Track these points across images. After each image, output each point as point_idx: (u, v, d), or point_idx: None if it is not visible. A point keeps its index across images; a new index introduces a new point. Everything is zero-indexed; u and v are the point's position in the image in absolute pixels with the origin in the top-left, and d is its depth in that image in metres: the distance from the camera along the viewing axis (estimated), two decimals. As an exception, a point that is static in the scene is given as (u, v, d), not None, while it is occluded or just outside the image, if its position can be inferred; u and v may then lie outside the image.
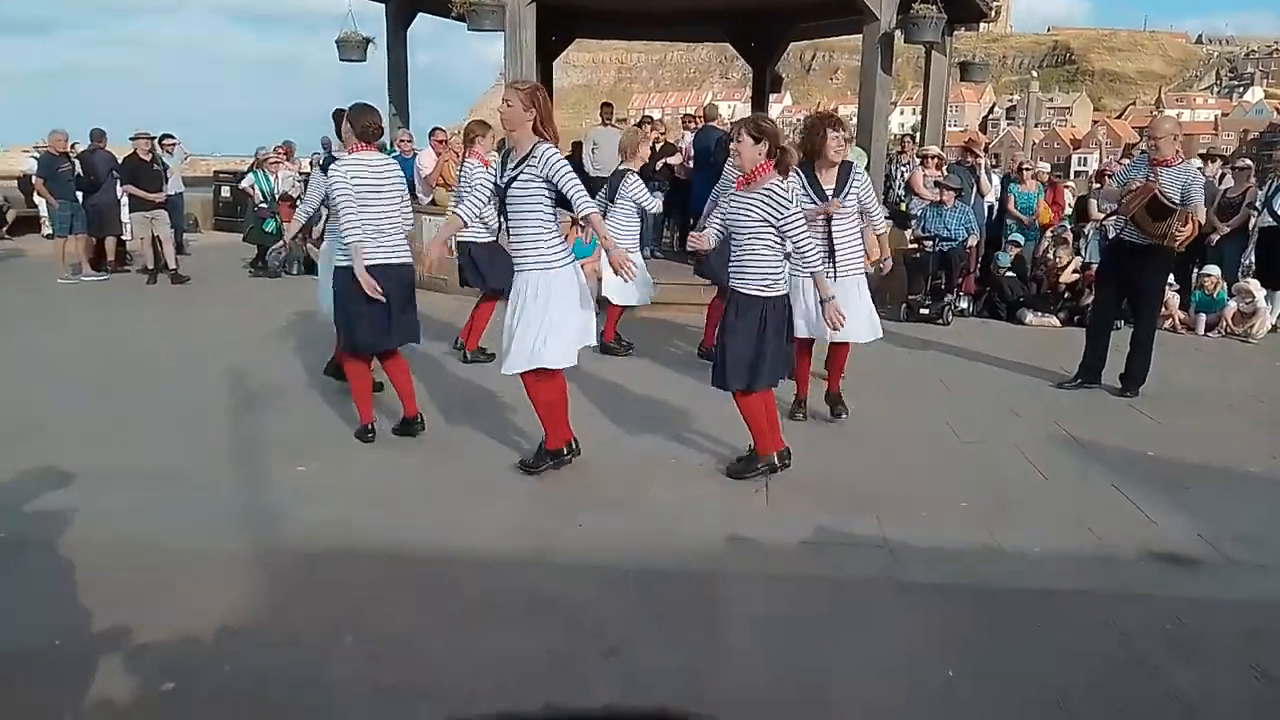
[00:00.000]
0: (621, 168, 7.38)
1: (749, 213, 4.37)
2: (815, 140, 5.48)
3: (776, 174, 4.42)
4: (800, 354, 5.66)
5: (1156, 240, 6.19)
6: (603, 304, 8.11)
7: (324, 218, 6.04)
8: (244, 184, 12.74)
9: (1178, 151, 6.42)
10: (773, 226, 4.36)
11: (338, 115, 5.96)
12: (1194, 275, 9.47)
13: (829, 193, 5.40)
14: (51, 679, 2.87)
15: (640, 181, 7.33)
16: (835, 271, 5.44)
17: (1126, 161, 9.74)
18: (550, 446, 4.70)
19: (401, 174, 5.30)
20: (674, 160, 11.50)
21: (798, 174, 5.49)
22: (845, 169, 5.47)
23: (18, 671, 2.92)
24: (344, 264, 5.00)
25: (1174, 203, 6.09)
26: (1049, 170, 12.48)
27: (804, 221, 4.44)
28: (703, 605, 3.42)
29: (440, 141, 10.92)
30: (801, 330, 5.54)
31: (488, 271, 6.91)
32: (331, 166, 5.08)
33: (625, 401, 6.07)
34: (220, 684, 2.86)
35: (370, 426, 5.22)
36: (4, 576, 3.56)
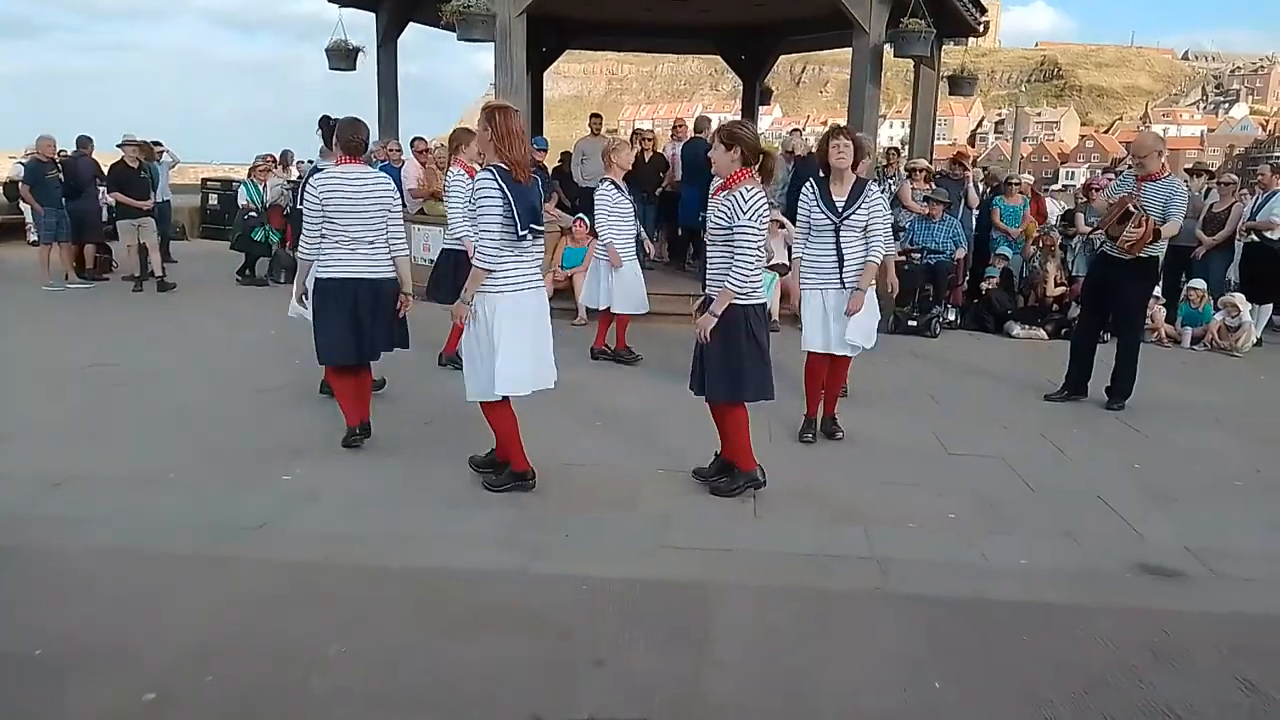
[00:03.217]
0: (602, 177, 7.45)
1: (719, 219, 4.33)
2: (822, 149, 5.53)
3: (753, 180, 4.35)
4: (817, 371, 5.66)
5: (1116, 243, 6.26)
6: (591, 314, 8.19)
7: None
8: (241, 200, 12.75)
9: (1163, 166, 6.50)
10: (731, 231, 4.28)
11: (324, 122, 5.96)
12: (1181, 289, 9.56)
13: (839, 205, 5.41)
14: (32, 687, 2.84)
15: (608, 190, 7.36)
16: (844, 281, 5.47)
17: (1112, 177, 9.83)
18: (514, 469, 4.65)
19: (387, 188, 5.22)
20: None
21: (812, 186, 5.50)
22: (860, 185, 5.48)
23: (-2, 681, 2.89)
24: (326, 275, 5.05)
25: (1141, 210, 6.17)
26: (1031, 181, 12.56)
27: (757, 236, 4.29)
28: (690, 616, 3.41)
29: (421, 151, 10.90)
30: (816, 344, 5.54)
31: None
32: (309, 180, 5.11)
33: (614, 412, 6.06)
34: (204, 695, 2.83)
35: (359, 428, 5.21)
36: (-15, 585, 3.52)
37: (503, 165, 4.23)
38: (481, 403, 4.51)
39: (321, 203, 4.95)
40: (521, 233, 4.23)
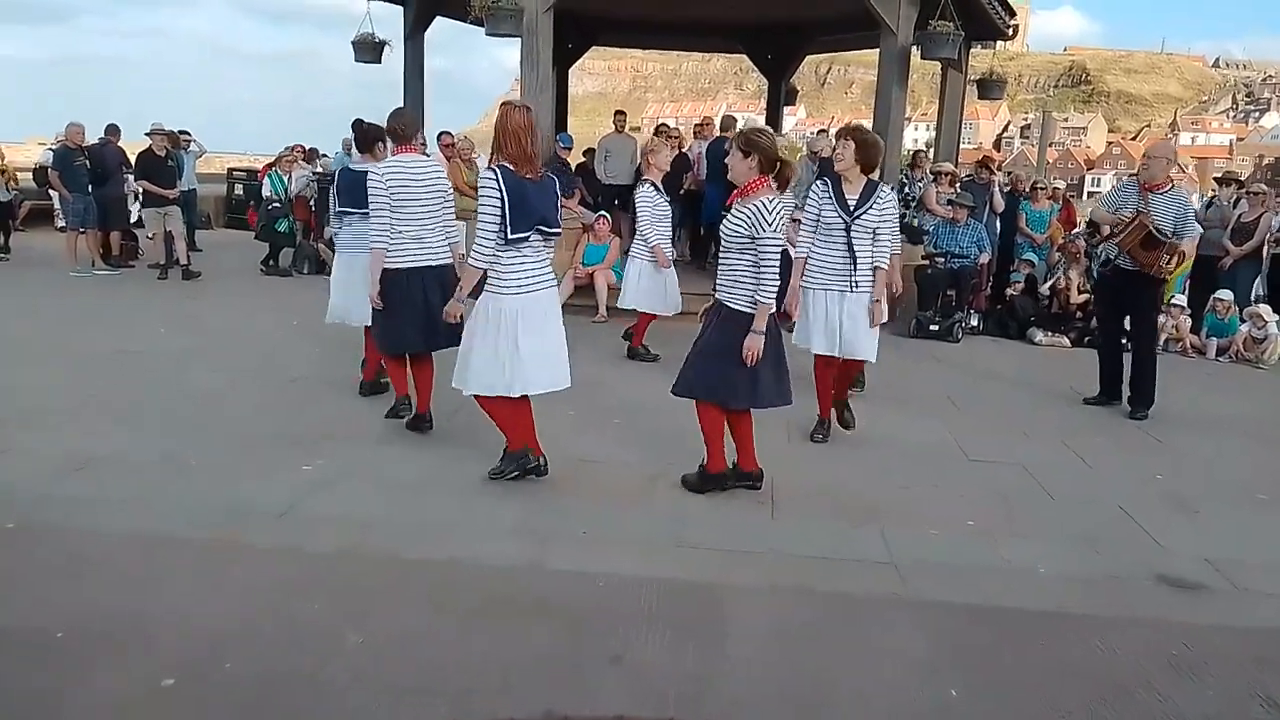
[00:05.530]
0: (643, 179, 7.46)
1: (738, 227, 4.30)
2: (833, 151, 5.55)
3: (771, 189, 4.33)
4: (825, 371, 5.64)
5: (1145, 269, 6.28)
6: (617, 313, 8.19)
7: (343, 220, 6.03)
8: (265, 191, 12.88)
9: (1169, 177, 6.47)
10: (752, 241, 4.25)
11: (356, 125, 6.03)
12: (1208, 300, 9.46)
13: (851, 205, 5.40)
14: (53, 669, 2.87)
15: (649, 193, 7.36)
16: (858, 281, 5.44)
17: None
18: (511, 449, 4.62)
19: (444, 175, 5.35)
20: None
21: (826, 183, 5.49)
22: (871, 186, 5.45)
23: (19, 660, 2.92)
24: (390, 265, 5.05)
25: (1164, 234, 6.18)
26: (1063, 187, 12.47)
27: (779, 247, 4.29)
28: (707, 615, 3.40)
29: (447, 145, 10.93)
30: (820, 346, 5.53)
31: None
32: (372, 170, 5.14)
33: (632, 409, 6.06)
34: (222, 680, 2.86)
35: (406, 399, 5.37)
36: (8, 564, 3.56)
37: (506, 163, 4.22)
38: (484, 397, 4.48)
39: (389, 192, 4.95)
40: (512, 236, 4.18)
